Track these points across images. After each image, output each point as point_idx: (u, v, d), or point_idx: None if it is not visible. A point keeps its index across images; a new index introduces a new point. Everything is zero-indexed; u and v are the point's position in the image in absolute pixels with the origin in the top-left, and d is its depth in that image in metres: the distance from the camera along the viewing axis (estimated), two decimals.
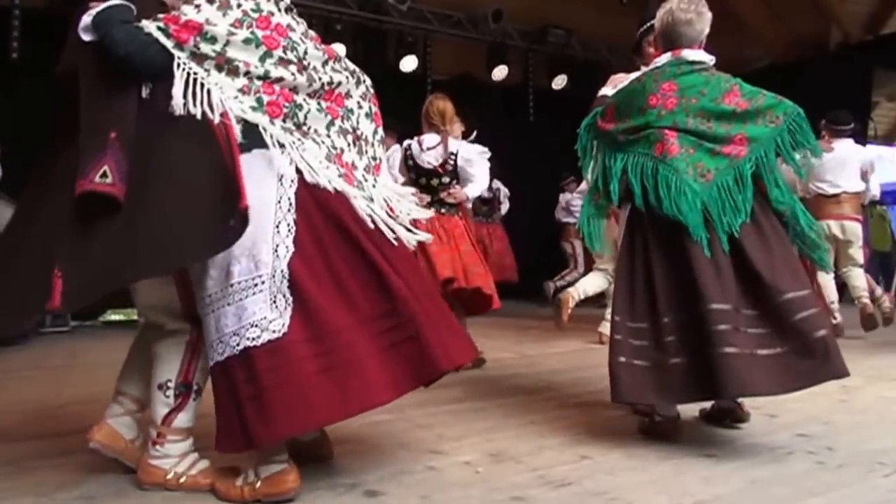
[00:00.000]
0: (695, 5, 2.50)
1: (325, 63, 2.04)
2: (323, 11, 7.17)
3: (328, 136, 2.02)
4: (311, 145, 1.95)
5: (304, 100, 1.98)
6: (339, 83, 2.07)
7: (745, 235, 2.30)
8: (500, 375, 3.77)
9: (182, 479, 1.98)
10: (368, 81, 2.20)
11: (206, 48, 1.83)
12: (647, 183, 2.39)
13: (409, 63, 7.67)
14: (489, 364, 4.08)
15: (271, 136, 1.88)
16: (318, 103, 2.02)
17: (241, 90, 1.87)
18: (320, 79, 2.00)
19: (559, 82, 8.47)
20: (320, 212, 1.89)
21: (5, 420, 2.77)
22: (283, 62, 1.92)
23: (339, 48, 7.13)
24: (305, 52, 1.98)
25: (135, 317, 6.22)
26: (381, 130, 2.21)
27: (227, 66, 1.86)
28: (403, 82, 7.70)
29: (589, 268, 5.72)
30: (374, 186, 2.09)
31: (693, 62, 2.49)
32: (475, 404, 3.04)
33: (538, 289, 8.27)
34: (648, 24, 2.90)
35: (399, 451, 2.33)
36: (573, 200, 7.31)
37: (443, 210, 3.91)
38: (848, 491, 1.94)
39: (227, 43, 1.84)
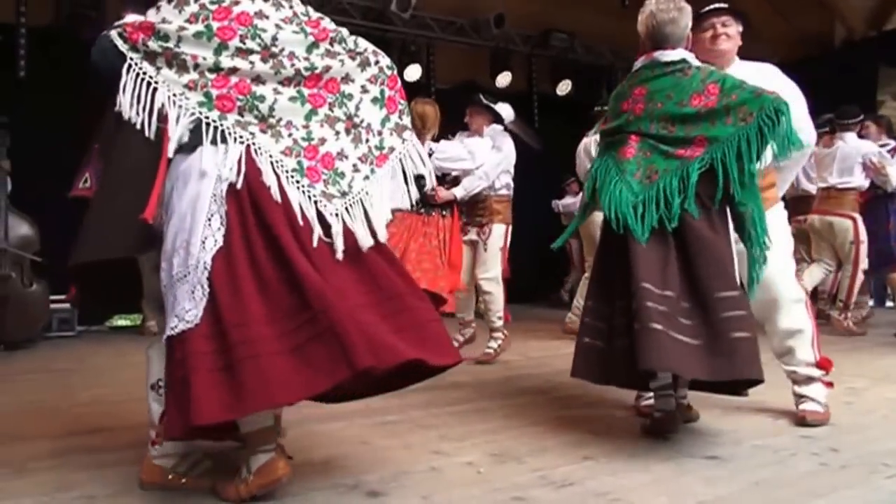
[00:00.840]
0: (674, 2, 2.51)
1: (310, 47, 1.96)
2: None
3: (305, 126, 1.94)
4: (266, 139, 1.89)
5: (275, 89, 1.91)
6: (329, 68, 1.97)
7: (694, 234, 2.38)
8: (504, 377, 3.78)
9: (183, 480, 1.99)
10: (384, 62, 2.06)
11: (155, 46, 1.85)
12: (598, 183, 2.54)
13: (413, 72, 7.70)
14: (494, 366, 4.09)
15: (216, 131, 1.86)
16: (298, 91, 1.94)
17: (187, 86, 1.87)
18: (294, 65, 1.91)
19: (563, 88, 8.49)
20: (255, 207, 1.83)
21: (7, 421, 2.79)
22: (242, 52, 1.88)
23: None
24: (275, 38, 1.91)
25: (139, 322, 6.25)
26: (396, 116, 2.07)
27: (175, 62, 1.86)
28: (408, 92, 7.72)
29: (584, 269, 5.80)
30: (366, 178, 1.99)
31: (667, 63, 2.50)
32: (479, 405, 3.05)
33: (542, 291, 8.27)
34: None
35: (401, 452, 2.33)
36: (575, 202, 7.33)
37: (421, 210, 3.98)
38: (851, 492, 1.93)
39: (179, 39, 1.86)
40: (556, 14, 8.10)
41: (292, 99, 1.93)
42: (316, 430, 2.59)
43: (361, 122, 2.02)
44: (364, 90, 2.03)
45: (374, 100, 2.04)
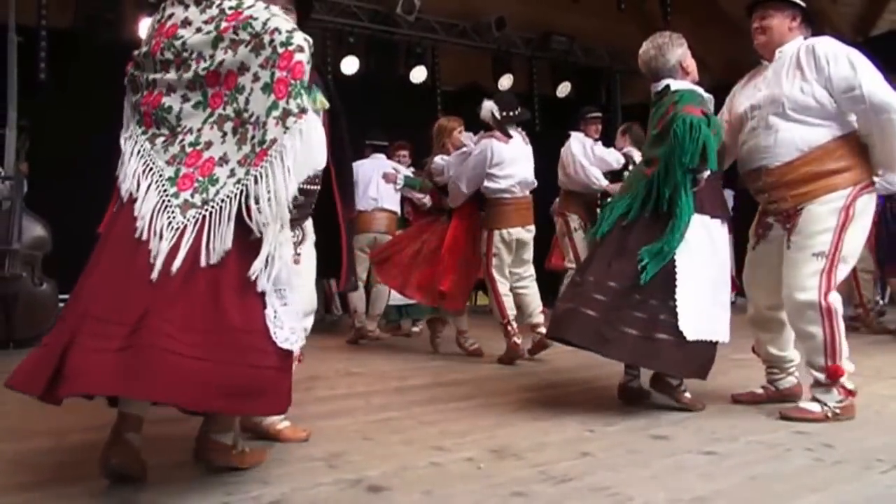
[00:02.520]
0: (654, 42, 2.90)
1: (215, 42, 1.87)
2: (336, 24, 7.28)
3: (199, 130, 1.89)
4: (158, 150, 1.91)
5: (183, 95, 1.90)
6: (223, 61, 1.85)
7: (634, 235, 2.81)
8: (506, 373, 3.81)
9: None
10: (279, 39, 1.81)
11: (132, 72, 2.00)
12: None
13: (418, 74, 7.77)
14: (493, 363, 4.12)
15: (134, 145, 1.95)
16: (202, 94, 1.89)
17: (134, 106, 2.00)
18: (192, 67, 1.88)
19: (563, 90, 8.53)
20: (122, 217, 1.89)
21: (14, 417, 2.82)
22: (163, 64, 1.91)
23: (353, 62, 7.26)
24: (184, 44, 1.89)
25: None
26: (283, 102, 1.81)
27: (133, 85, 1.99)
28: (414, 93, 7.81)
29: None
30: (238, 182, 1.82)
31: (656, 93, 2.90)
32: (480, 401, 3.08)
33: (544, 290, 8.28)
34: None
35: (403, 448, 2.36)
36: None
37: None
38: (846, 487, 1.95)
39: (136, 64, 1.99)
40: (556, 17, 8.16)
41: (196, 105, 1.89)
42: (319, 425, 2.62)
43: (250, 116, 1.85)
44: (255, 78, 1.84)
45: (265, 86, 1.83)
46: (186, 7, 1.94)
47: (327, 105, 2.31)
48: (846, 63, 2.59)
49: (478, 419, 2.75)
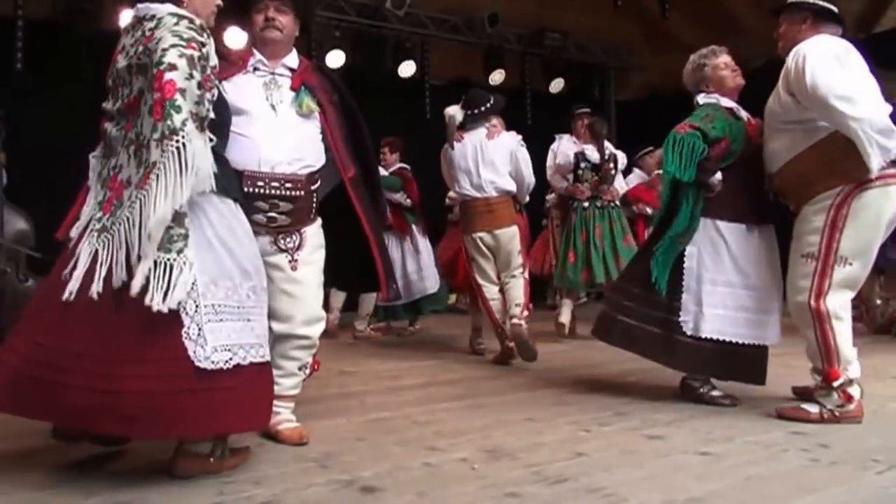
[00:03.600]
0: (693, 57, 3.08)
1: (130, 68, 1.91)
2: (322, 18, 7.20)
3: (118, 154, 1.96)
4: (99, 176, 2.03)
5: (115, 121, 2.00)
6: (140, 88, 1.89)
7: None
8: (499, 373, 3.80)
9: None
10: (155, 59, 1.81)
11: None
12: None
13: (407, 68, 7.70)
14: (489, 363, 4.10)
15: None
16: (125, 119, 1.96)
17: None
18: (119, 94, 1.97)
19: (556, 86, 8.51)
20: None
21: (3, 417, 2.78)
22: (107, 91, 2.03)
23: (339, 56, 7.20)
24: (117, 72, 1.96)
25: None
26: (161, 124, 1.79)
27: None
28: (402, 88, 7.75)
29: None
30: (130, 206, 1.84)
31: (697, 104, 3.05)
32: (474, 402, 3.07)
33: (536, 289, 8.28)
34: None
35: (396, 448, 2.35)
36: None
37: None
38: (841, 488, 1.95)
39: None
40: (550, 13, 8.12)
41: (119, 129, 1.98)
42: (312, 426, 2.59)
43: (143, 139, 1.86)
44: (145, 101, 1.87)
45: (150, 109, 1.83)
46: (127, 32, 2.00)
47: (315, 108, 2.39)
48: (801, 64, 2.56)
49: (472, 419, 2.73)
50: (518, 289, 4.01)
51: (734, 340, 2.84)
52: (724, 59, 3.01)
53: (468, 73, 8.11)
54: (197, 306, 1.87)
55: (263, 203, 2.31)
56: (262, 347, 2.03)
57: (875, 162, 2.45)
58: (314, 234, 2.44)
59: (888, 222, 2.59)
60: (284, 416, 2.44)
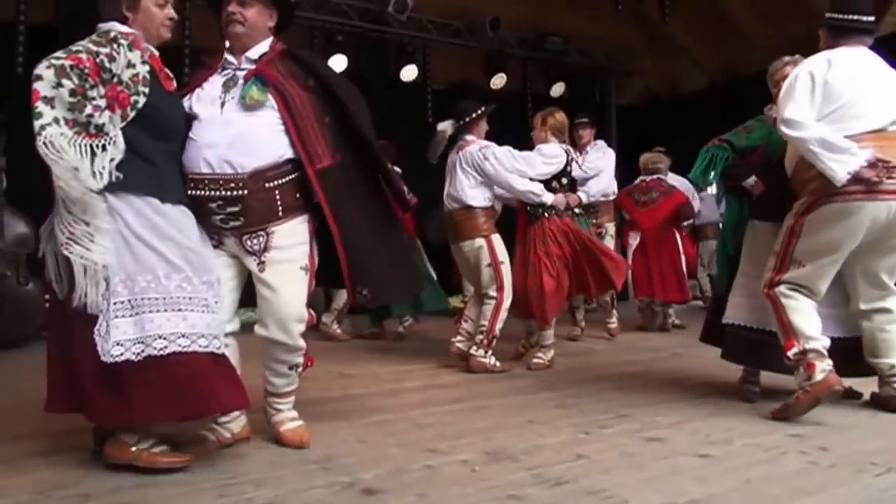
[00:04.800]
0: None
1: None
2: (325, 23, 7.23)
3: None
4: None
5: None
6: None
7: None
8: (501, 376, 3.80)
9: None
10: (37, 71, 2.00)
11: None
12: None
13: (409, 72, 7.73)
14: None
15: None
16: None
17: None
18: None
19: (557, 90, 8.52)
20: None
21: (3, 419, 2.79)
22: None
23: (341, 60, 7.24)
24: None
25: None
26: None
27: None
28: (404, 91, 7.77)
29: None
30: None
31: None
32: (475, 404, 3.07)
33: None
34: None
35: (397, 450, 2.35)
36: None
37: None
38: (840, 490, 1.96)
39: None
40: (551, 18, 8.14)
41: None
42: (313, 428, 2.60)
43: None
44: None
45: None
46: None
47: (261, 98, 2.25)
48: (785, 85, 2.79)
49: (473, 421, 2.74)
50: (487, 313, 3.91)
51: (754, 326, 3.00)
52: (787, 70, 3.04)
53: (470, 77, 8.14)
54: (108, 304, 2.00)
55: (212, 204, 2.25)
56: (199, 338, 2.06)
57: (838, 175, 2.56)
58: (287, 233, 2.31)
59: (850, 234, 2.66)
60: (286, 415, 2.45)
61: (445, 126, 4.05)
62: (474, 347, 3.90)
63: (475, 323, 3.99)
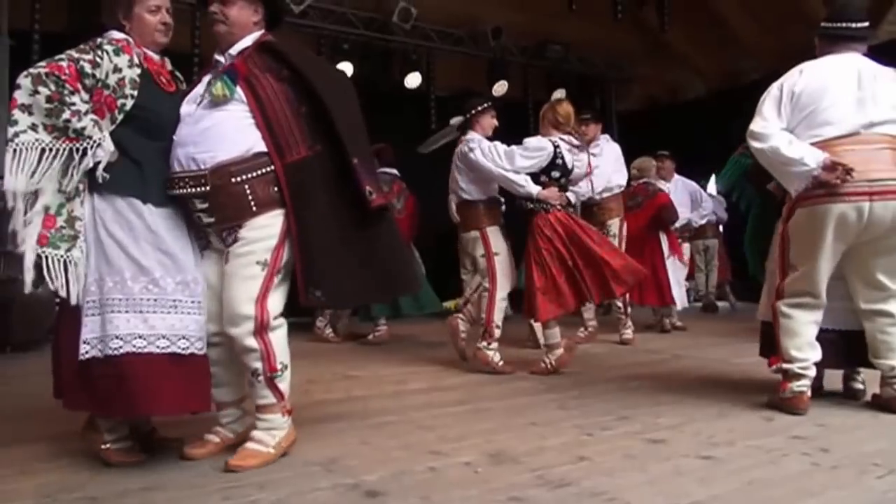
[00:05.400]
0: None
1: None
2: (331, 32, 7.31)
3: None
4: None
5: None
6: None
7: None
8: (502, 378, 3.80)
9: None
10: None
11: None
12: None
13: (413, 80, 7.81)
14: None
15: None
16: None
17: None
18: None
19: (558, 97, 8.56)
20: None
21: (12, 422, 2.81)
22: None
23: (347, 67, 7.29)
24: None
25: None
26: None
27: None
28: (408, 98, 7.83)
29: None
30: None
31: None
32: (477, 406, 3.08)
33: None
34: None
35: (400, 452, 2.36)
36: None
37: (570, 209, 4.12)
38: (842, 492, 1.96)
39: None
40: (552, 26, 8.20)
41: None
42: (316, 430, 2.62)
43: None
44: None
45: None
46: None
47: (226, 92, 2.22)
48: None
49: (475, 423, 2.75)
50: (482, 304, 3.98)
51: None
52: None
53: (472, 85, 8.20)
54: (89, 300, 2.12)
55: (190, 203, 2.26)
56: (159, 339, 2.11)
57: (791, 187, 2.81)
58: (255, 226, 2.23)
59: (822, 236, 2.73)
60: (256, 434, 2.28)
61: (456, 121, 4.10)
62: (480, 341, 3.94)
63: (477, 309, 4.05)
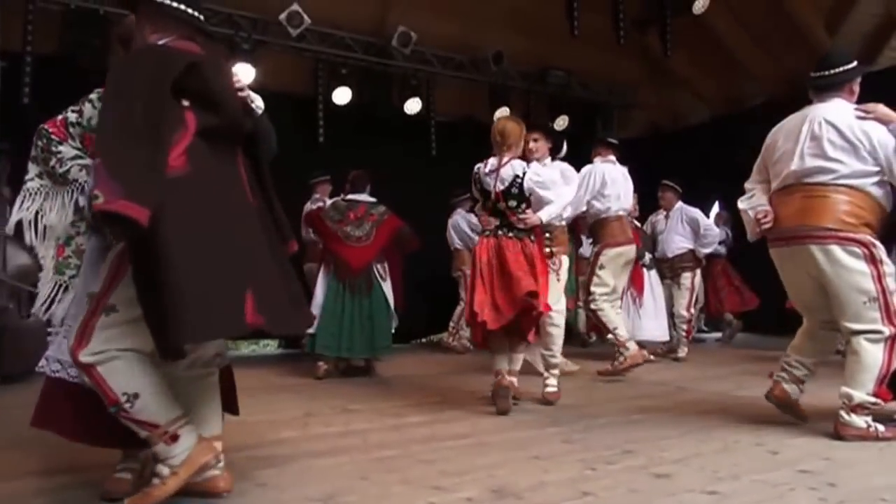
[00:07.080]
0: None
1: None
2: (329, 56, 7.34)
3: None
4: None
5: None
6: None
7: None
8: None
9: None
10: None
11: None
12: None
13: (413, 105, 7.82)
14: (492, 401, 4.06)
15: None
16: None
17: None
18: None
19: (560, 123, 8.60)
20: None
21: (5, 456, 2.77)
22: None
23: (346, 92, 7.32)
24: None
25: None
26: None
27: None
28: (408, 124, 7.84)
29: None
30: None
31: None
32: (479, 439, 3.03)
33: None
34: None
35: (400, 487, 2.32)
36: (460, 222, 6.87)
37: (510, 234, 3.67)
38: None
39: None
40: (554, 52, 8.24)
41: None
42: (314, 464, 2.58)
43: None
44: None
45: None
46: None
47: None
48: None
49: (477, 457, 2.70)
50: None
51: None
52: None
53: (473, 111, 8.22)
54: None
55: None
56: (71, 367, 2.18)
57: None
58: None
59: (781, 273, 3.14)
60: (156, 468, 2.11)
61: None
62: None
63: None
